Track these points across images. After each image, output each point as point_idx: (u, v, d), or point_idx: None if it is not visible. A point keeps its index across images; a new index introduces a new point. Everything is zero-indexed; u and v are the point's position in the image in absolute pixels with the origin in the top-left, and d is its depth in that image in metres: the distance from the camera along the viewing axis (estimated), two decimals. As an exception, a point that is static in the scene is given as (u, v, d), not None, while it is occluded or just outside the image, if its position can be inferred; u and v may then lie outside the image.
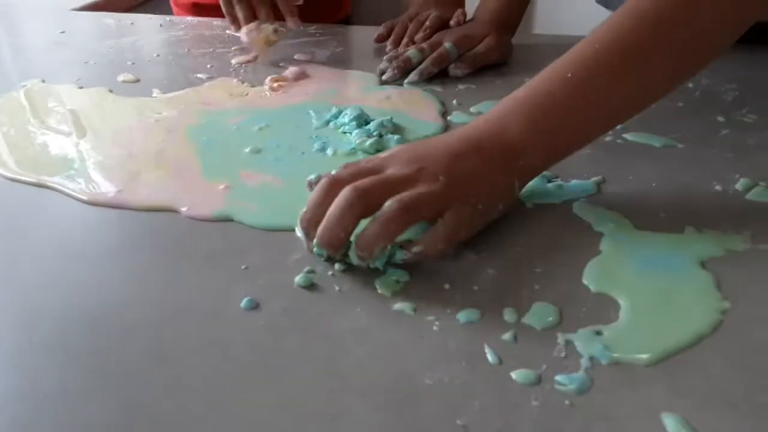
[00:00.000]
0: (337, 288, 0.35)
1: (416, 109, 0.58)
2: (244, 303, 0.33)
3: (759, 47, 0.69)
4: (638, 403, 0.28)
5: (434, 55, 0.65)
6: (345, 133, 0.51)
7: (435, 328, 0.32)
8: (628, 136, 0.53)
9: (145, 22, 0.85)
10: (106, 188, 0.43)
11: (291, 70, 0.66)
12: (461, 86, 0.64)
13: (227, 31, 0.77)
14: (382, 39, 0.73)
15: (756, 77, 0.65)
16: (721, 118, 0.57)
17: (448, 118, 0.57)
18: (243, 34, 0.69)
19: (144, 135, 0.51)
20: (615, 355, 0.30)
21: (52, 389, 0.29)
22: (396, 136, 0.51)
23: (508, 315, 0.33)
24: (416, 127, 0.54)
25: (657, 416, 0.28)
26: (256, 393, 0.29)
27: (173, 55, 0.72)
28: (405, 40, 0.70)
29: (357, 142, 0.49)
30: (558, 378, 0.29)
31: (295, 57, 0.72)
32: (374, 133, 0.51)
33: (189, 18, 0.86)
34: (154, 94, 0.61)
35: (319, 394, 0.29)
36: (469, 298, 0.34)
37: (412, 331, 0.32)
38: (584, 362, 0.30)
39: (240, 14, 0.70)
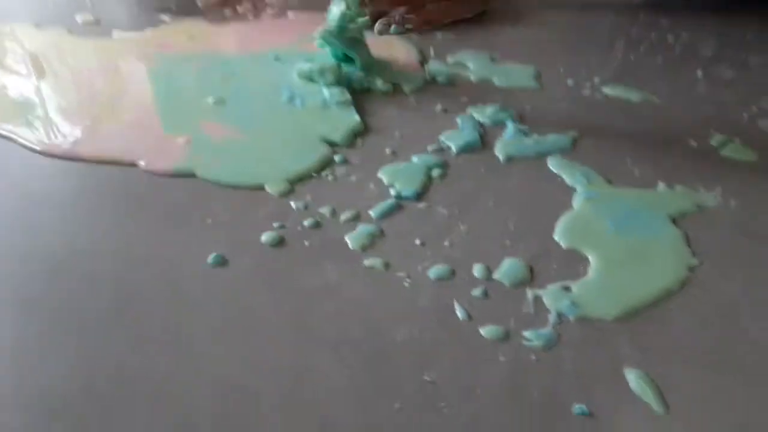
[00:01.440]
0: (306, 243, 0.34)
1: (394, 53, 0.57)
2: (210, 259, 0.33)
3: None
4: (603, 358, 0.29)
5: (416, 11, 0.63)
6: (312, 81, 0.49)
7: (405, 284, 0.32)
8: (606, 89, 0.53)
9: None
10: (62, 139, 0.41)
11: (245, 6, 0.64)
12: (438, 35, 0.63)
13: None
14: None
15: (736, 31, 0.65)
16: (699, 73, 0.57)
17: (427, 67, 0.55)
18: None
19: (102, 79, 0.49)
20: (582, 311, 0.31)
21: (9, 343, 0.28)
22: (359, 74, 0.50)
23: (479, 271, 0.33)
24: (397, 75, 0.52)
25: (621, 371, 0.28)
26: (224, 348, 0.28)
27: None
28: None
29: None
30: (525, 334, 0.29)
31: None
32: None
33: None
34: (114, 36, 0.58)
35: (288, 348, 0.28)
36: (441, 254, 0.34)
37: (383, 287, 0.32)
38: (552, 318, 0.30)
39: None
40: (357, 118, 0.45)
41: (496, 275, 0.33)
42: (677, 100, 0.52)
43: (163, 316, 0.30)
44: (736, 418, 0.27)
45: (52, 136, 0.41)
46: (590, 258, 0.34)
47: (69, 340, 0.28)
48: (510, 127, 0.46)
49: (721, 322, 0.31)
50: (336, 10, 0.50)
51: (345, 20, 0.48)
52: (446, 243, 0.35)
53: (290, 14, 0.65)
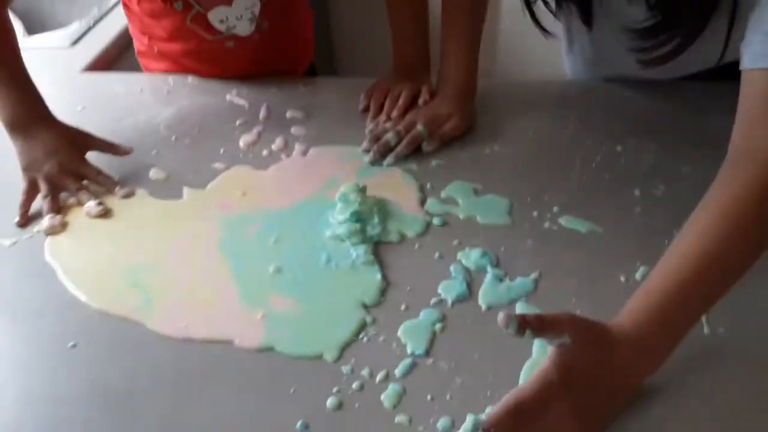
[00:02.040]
0: (356, 405, 0.52)
1: (399, 195, 0.73)
2: (298, 425, 0.51)
3: (681, 109, 0.84)
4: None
5: (408, 138, 0.79)
6: (342, 241, 0.66)
7: (423, 433, 0.50)
8: (562, 221, 0.70)
9: (152, 83, 0.96)
10: (177, 324, 0.58)
11: (278, 143, 0.81)
12: (433, 163, 0.79)
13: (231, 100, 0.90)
14: (365, 110, 0.87)
15: (676, 138, 0.80)
16: (637, 192, 0.73)
17: (425, 207, 0.72)
18: (46, 220, 0.70)
19: (184, 255, 0.66)
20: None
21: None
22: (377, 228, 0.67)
23: (469, 421, 0.51)
24: (404, 219, 0.69)
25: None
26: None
27: (189, 138, 0.85)
28: (383, 117, 0.84)
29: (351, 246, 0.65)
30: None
31: (292, 132, 0.85)
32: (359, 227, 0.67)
33: (189, 80, 0.97)
34: (184, 195, 0.75)
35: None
36: (445, 407, 0.52)
37: (409, 437, 0.50)
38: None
39: (46, 206, 0.72)
40: (379, 277, 0.63)
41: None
42: (615, 228, 0.68)
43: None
44: None
45: (168, 323, 0.59)
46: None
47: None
48: (489, 273, 0.63)
49: None
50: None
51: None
52: (448, 397, 0.53)
53: (311, 152, 0.82)
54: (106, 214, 0.72)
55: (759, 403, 0.52)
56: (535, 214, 0.71)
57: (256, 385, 0.54)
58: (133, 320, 0.59)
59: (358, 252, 0.65)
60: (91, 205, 0.72)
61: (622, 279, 0.63)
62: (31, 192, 0.73)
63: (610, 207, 0.71)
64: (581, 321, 0.49)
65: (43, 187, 0.74)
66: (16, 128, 0.77)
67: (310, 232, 0.68)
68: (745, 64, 0.57)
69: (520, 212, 0.71)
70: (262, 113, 0.89)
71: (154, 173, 0.79)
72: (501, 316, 0.45)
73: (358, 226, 0.67)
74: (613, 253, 0.66)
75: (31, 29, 1.23)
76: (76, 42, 1.10)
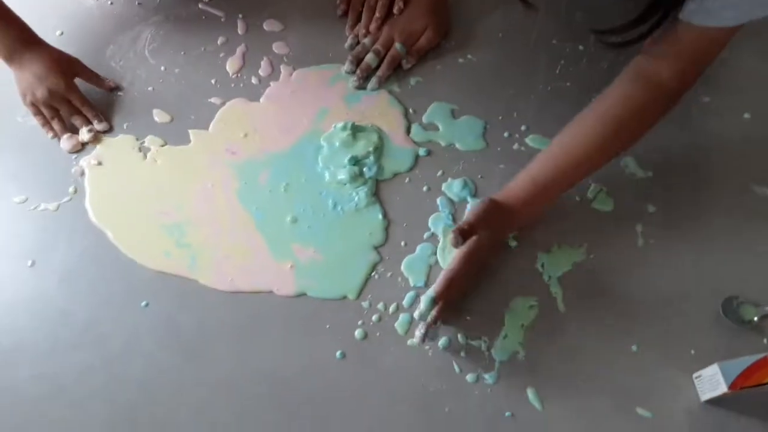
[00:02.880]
0: (378, 334, 0.70)
1: (388, 122, 0.83)
2: (338, 355, 0.68)
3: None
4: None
5: (388, 59, 0.85)
6: (344, 184, 0.78)
7: (429, 353, 0.69)
8: (528, 140, 0.81)
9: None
10: (224, 279, 0.72)
11: (264, 68, 0.87)
12: (412, 81, 0.87)
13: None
14: (344, 14, 0.91)
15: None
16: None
17: (411, 136, 0.82)
18: (63, 141, 0.81)
19: (211, 208, 0.76)
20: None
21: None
22: (374, 168, 0.78)
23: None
24: (395, 154, 0.80)
25: None
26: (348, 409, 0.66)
27: (178, 67, 0.89)
28: (362, 30, 0.88)
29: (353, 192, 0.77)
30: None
31: (275, 50, 0.89)
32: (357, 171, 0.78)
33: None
34: (192, 139, 0.83)
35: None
36: (443, 329, 0.70)
37: (422, 357, 0.68)
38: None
39: (56, 127, 0.82)
40: (381, 217, 0.76)
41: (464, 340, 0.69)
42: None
43: (314, 398, 0.67)
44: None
45: (216, 275, 0.73)
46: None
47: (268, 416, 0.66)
48: (470, 203, 0.77)
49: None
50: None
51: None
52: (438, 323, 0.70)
53: (297, 75, 0.88)
54: (96, 139, 0.82)
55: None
56: (506, 135, 0.82)
57: (298, 325, 0.70)
58: (187, 278, 0.73)
59: (360, 195, 0.77)
60: (83, 131, 0.81)
61: (578, 198, 0.77)
62: (39, 115, 0.82)
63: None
64: (482, 214, 0.69)
65: (45, 112, 0.82)
66: (9, 59, 0.81)
67: (313, 175, 0.79)
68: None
69: (492, 134, 0.82)
70: (240, 28, 0.92)
71: (158, 116, 0.85)
72: (451, 237, 0.66)
73: (356, 169, 0.78)
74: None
75: None
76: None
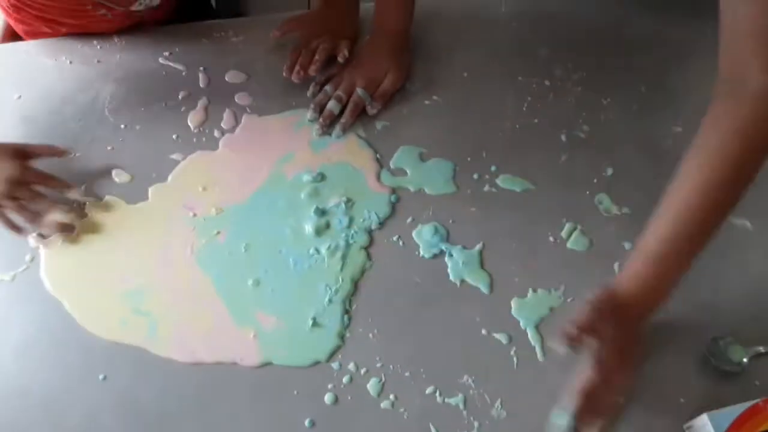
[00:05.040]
0: (349, 398, 0.66)
1: (361, 164, 0.80)
2: (307, 422, 0.65)
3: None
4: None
5: (351, 107, 0.83)
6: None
7: (405, 417, 0.65)
8: (499, 181, 0.79)
9: (77, 49, 0.93)
10: (185, 350, 0.68)
11: (227, 120, 0.84)
12: (378, 126, 0.85)
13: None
14: (277, 38, 0.89)
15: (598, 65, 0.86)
16: (563, 137, 0.82)
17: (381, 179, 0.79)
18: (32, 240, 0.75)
19: (170, 273, 0.72)
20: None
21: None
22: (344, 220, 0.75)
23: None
24: (371, 199, 0.77)
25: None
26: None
27: (138, 124, 0.86)
28: (297, 68, 0.85)
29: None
30: None
31: (237, 101, 0.88)
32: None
33: (115, 40, 0.94)
34: (149, 194, 0.80)
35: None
36: (425, 380, 0.66)
37: (394, 422, 0.65)
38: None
39: (23, 218, 0.74)
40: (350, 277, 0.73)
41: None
42: (545, 183, 0.78)
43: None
44: None
45: (177, 346, 0.69)
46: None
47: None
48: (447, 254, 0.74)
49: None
50: None
51: None
52: (424, 374, 0.67)
53: (260, 121, 0.85)
54: (84, 222, 0.77)
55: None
56: (475, 176, 0.79)
57: (265, 393, 0.67)
58: (145, 349, 0.69)
59: (324, 250, 0.74)
60: (57, 216, 0.76)
61: (551, 239, 0.74)
62: (2, 217, 0.77)
63: (541, 159, 0.80)
64: (604, 307, 0.59)
65: (8, 206, 0.77)
66: None
67: (272, 229, 0.75)
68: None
69: (462, 176, 0.80)
70: (202, 81, 0.90)
71: (117, 176, 0.82)
72: (558, 348, 0.58)
73: (323, 221, 0.75)
74: (545, 211, 0.76)
75: None
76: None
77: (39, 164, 0.79)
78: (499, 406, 0.65)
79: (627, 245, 0.73)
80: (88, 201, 0.79)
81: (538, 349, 0.67)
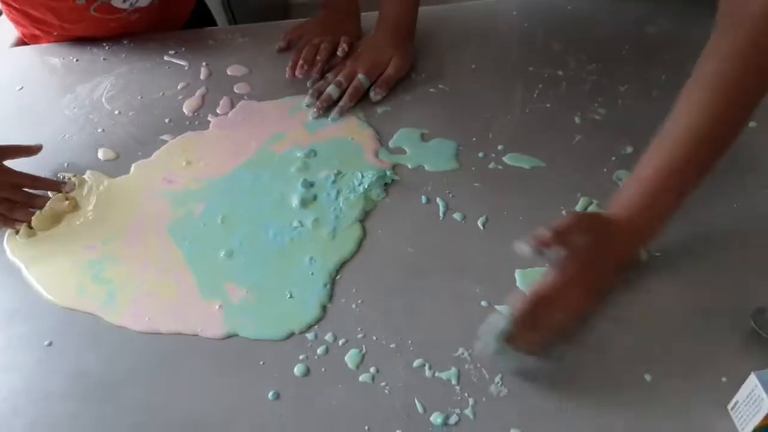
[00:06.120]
0: (323, 369, 0.56)
1: (361, 140, 0.74)
2: (270, 395, 0.55)
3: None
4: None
5: (350, 90, 0.79)
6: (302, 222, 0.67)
7: (386, 391, 0.54)
8: (506, 159, 0.72)
9: (86, 51, 0.93)
10: (141, 318, 0.60)
11: (223, 107, 0.81)
12: (379, 110, 0.80)
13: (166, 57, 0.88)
14: (282, 50, 0.88)
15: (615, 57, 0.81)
16: (577, 119, 0.75)
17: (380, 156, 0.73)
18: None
19: (139, 242, 0.67)
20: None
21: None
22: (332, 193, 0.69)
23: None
24: (364, 171, 0.70)
25: None
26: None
27: (132, 110, 0.83)
28: (300, 62, 0.83)
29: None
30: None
31: (236, 90, 0.84)
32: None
33: (125, 42, 0.94)
34: (131, 169, 0.75)
35: None
36: (406, 356, 0.56)
37: (370, 395, 0.54)
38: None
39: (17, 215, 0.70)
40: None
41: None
42: (557, 161, 0.70)
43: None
44: None
45: (130, 318, 0.61)
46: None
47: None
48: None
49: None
50: None
51: None
52: (410, 346, 0.57)
53: (255, 106, 0.81)
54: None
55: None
56: (480, 155, 0.73)
57: (226, 365, 0.57)
58: (99, 316, 0.61)
59: (310, 222, 0.67)
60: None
61: (564, 213, 0.66)
62: None
63: (553, 139, 0.73)
64: (585, 219, 0.56)
65: None
66: None
67: (253, 201, 0.69)
68: None
69: (466, 154, 0.73)
70: (202, 74, 0.88)
71: (102, 154, 0.78)
72: (521, 246, 0.52)
73: (310, 194, 0.69)
74: (556, 187, 0.68)
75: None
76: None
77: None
78: (499, 383, 0.54)
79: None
80: (67, 176, 0.74)
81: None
